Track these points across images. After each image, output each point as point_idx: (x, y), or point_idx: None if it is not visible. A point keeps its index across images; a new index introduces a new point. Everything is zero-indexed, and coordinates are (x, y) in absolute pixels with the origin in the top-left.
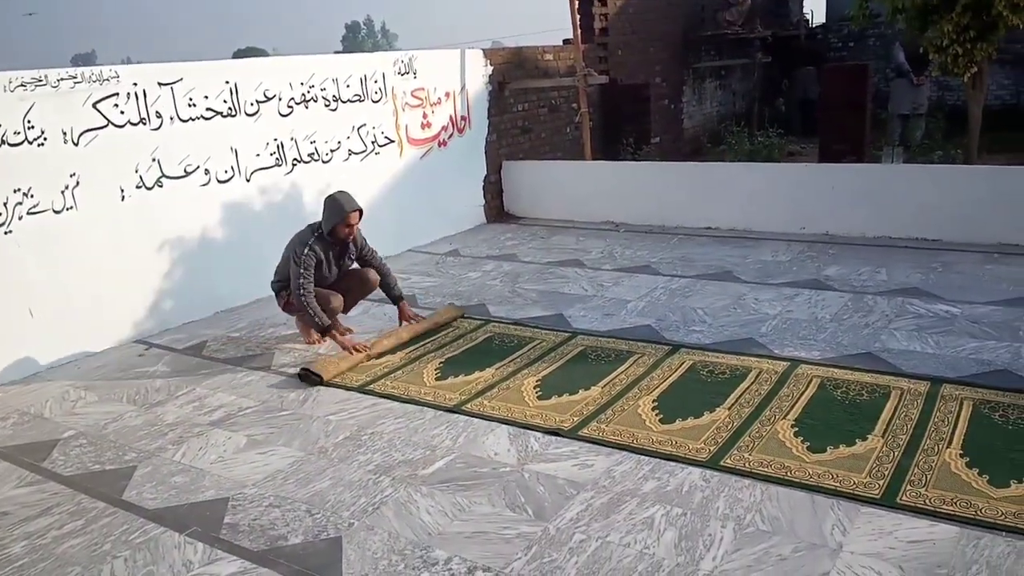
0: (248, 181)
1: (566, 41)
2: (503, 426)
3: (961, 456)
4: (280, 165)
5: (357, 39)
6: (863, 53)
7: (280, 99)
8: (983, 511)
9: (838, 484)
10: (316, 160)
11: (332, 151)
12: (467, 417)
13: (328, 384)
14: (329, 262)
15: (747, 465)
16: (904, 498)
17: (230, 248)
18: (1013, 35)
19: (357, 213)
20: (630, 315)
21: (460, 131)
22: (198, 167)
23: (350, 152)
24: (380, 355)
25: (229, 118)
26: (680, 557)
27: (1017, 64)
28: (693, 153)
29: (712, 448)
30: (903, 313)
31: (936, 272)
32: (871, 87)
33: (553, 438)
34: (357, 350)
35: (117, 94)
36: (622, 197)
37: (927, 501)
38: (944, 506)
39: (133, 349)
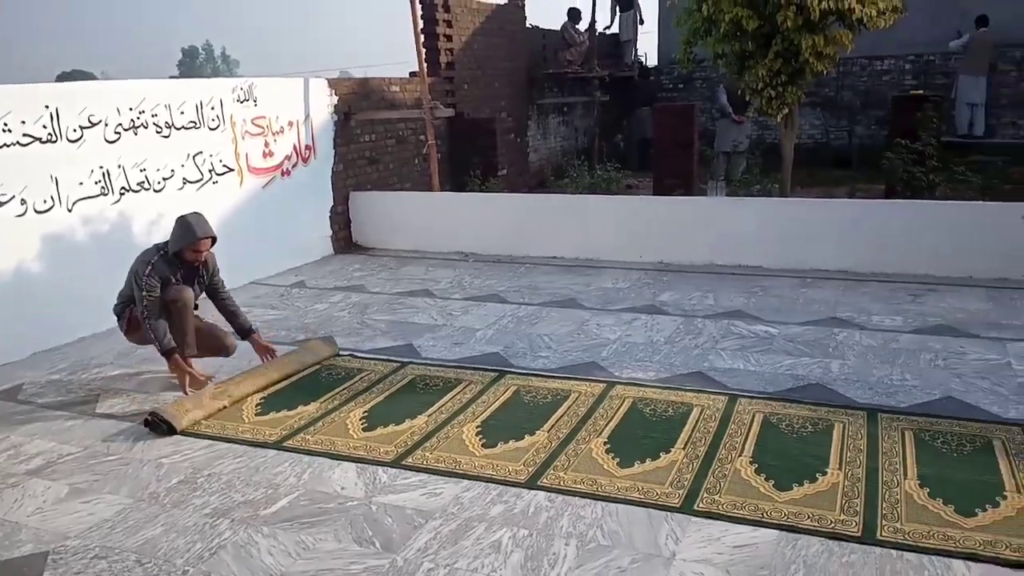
0: (70, 211)
1: (412, 74)
2: (349, 461)
3: (751, 463)
4: (106, 194)
5: (195, 64)
6: (692, 94)
7: (107, 125)
8: (768, 513)
9: (643, 496)
10: (147, 189)
11: (165, 179)
12: (308, 455)
13: (185, 434)
14: (178, 283)
15: (562, 483)
16: (700, 505)
17: (50, 283)
18: (821, 80)
19: (209, 240)
20: (479, 343)
21: (305, 161)
22: (13, 196)
23: (185, 181)
24: (240, 399)
25: (49, 144)
26: None
27: (825, 106)
28: (538, 185)
29: (531, 469)
30: (728, 334)
31: (757, 296)
32: (698, 126)
33: (399, 469)
34: (195, 386)
35: None
36: (471, 227)
37: (720, 507)
38: (734, 510)
39: None
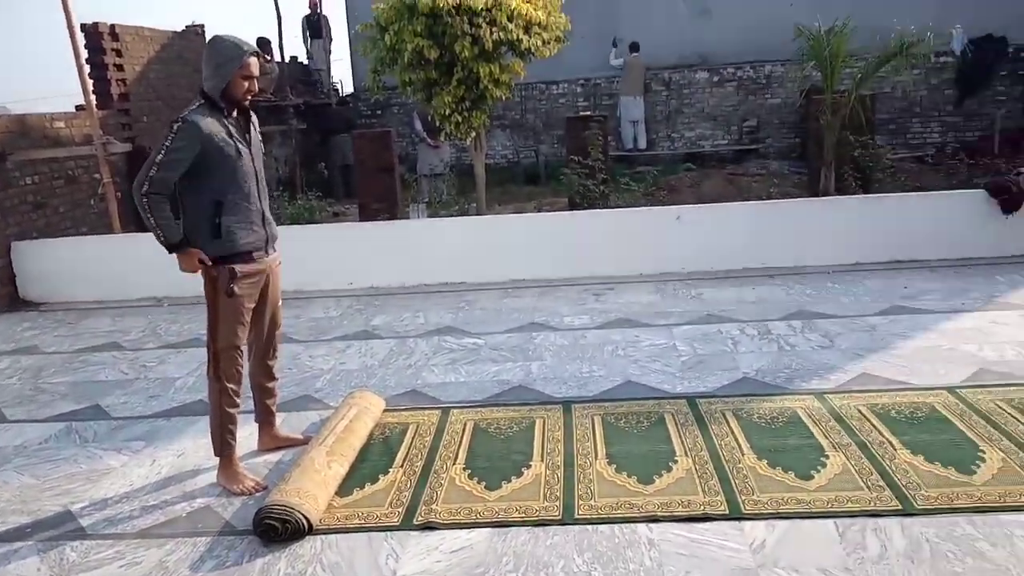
0: None
1: (79, 107)
2: (31, 542)
3: (464, 470)
4: None
5: None
6: (391, 119)
7: None
8: (481, 513)
9: (363, 521)
10: None
11: None
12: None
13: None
14: (233, 139)
15: (438, 517)
16: (419, 518)
17: None
18: (507, 105)
19: (258, 60)
20: (179, 393)
21: None
22: None
23: None
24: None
25: None
26: None
27: (513, 128)
28: None
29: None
30: (439, 350)
31: (464, 310)
32: (398, 151)
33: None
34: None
35: None
36: (162, 269)
37: (437, 516)
38: (451, 517)
39: None
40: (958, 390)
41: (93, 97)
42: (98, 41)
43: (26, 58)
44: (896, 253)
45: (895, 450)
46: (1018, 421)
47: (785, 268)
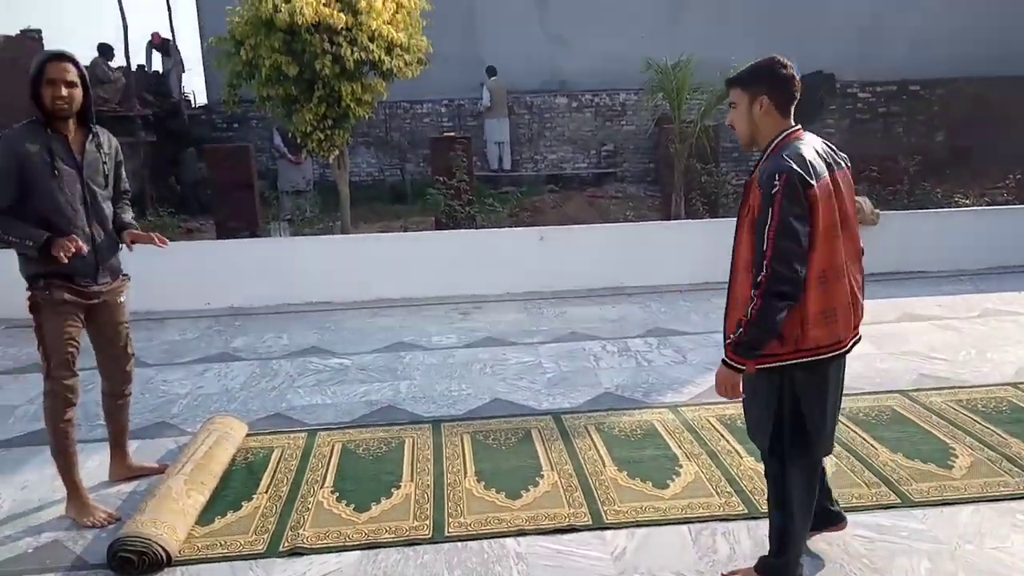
0: None
1: None
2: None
3: (332, 492)
4: None
5: None
6: (249, 133)
7: None
8: (350, 536)
9: (226, 550)
10: None
11: None
12: None
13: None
14: (52, 157)
15: (305, 541)
16: (285, 544)
17: None
18: (372, 122)
19: (64, 64)
20: (20, 422)
21: None
22: None
23: None
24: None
25: None
26: None
27: (378, 146)
28: None
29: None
30: (305, 371)
31: (330, 330)
32: (257, 166)
33: None
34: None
35: None
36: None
37: (305, 541)
38: (319, 541)
39: None
40: None
41: None
42: None
43: None
44: None
45: (741, 458)
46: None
47: (641, 287)
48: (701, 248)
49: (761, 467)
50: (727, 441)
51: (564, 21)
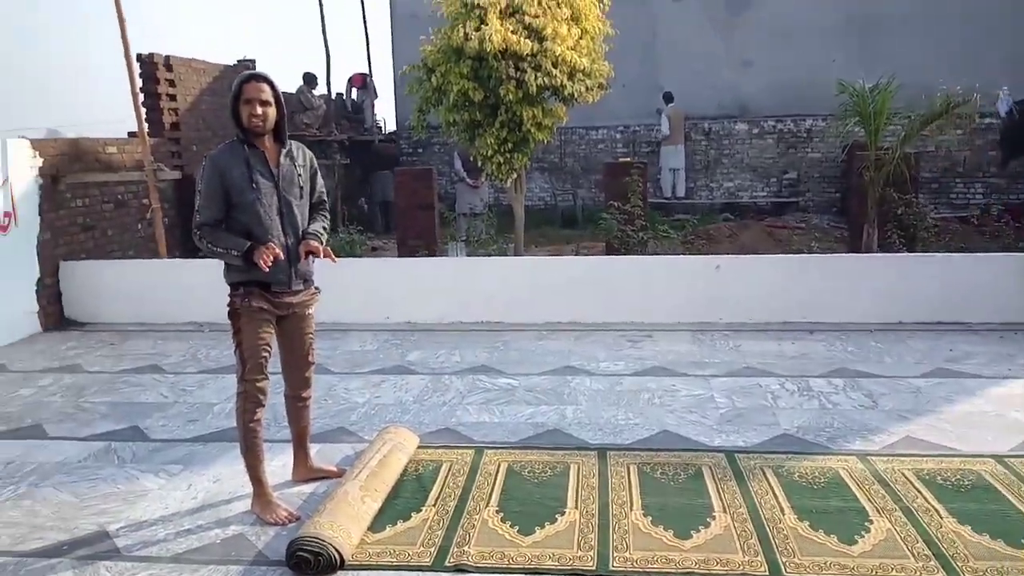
0: None
1: (131, 134)
2: (67, 559)
3: (497, 512)
4: None
5: None
6: (432, 158)
7: None
8: (514, 558)
9: (395, 559)
10: None
11: None
12: None
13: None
14: (251, 171)
15: (470, 559)
16: (450, 560)
17: None
18: (547, 148)
19: (259, 84)
20: (216, 418)
21: (3, 229)
22: None
23: None
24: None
25: None
26: None
27: (552, 171)
28: None
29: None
30: (474, 388)
31: (499, 350)
32: (438, 189)
33: (129, 563)
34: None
35: None
36: (205, 295)
37: (469, 559)
38: (483, 561)
39: None
40: (1006, 459)
41: (146, 125)
42: (153, 71)
43: (80, 84)
44: (940, 314)
45: (941, 518)
46: None
47: (826, 324)
48: (896, 285)
49: (966, 529)
50: (924, 498)
51: (749, 45)
